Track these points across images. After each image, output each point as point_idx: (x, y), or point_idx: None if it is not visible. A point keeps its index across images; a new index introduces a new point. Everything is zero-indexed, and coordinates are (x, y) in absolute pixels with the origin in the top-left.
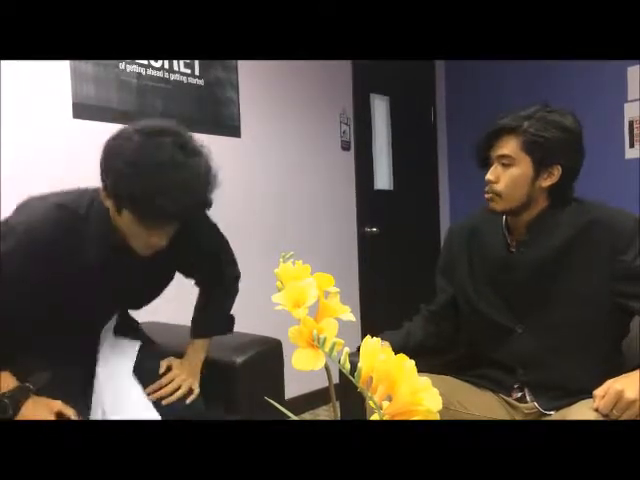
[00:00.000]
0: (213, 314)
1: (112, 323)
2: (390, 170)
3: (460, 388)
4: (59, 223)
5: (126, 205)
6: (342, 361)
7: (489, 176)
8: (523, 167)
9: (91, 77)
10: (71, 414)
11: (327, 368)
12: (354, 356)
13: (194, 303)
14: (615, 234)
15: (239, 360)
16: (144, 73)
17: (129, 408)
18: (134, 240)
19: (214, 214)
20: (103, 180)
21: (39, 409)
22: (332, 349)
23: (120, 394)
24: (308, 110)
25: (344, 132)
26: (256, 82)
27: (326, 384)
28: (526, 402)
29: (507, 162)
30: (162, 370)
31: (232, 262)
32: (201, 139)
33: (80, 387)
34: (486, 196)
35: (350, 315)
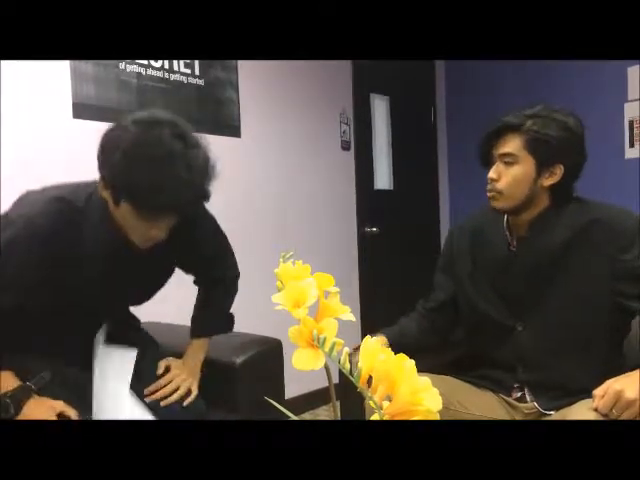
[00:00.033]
0: (212, 313)
1: (103, 333)
2: (390, 170)
3: (460, 388)
4: (58, 216)
5: (124, 197)
6: (342, 361)
7: (491, 174)
8: (525, 166)
9: (91, 77)
10: (73, 414)
11: (327, 368)
12: (354, 356)
13: (194, 303)
14: (615, 234)
15: (239, 360)
16: (144, 73)
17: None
18: (133, 232)
19: (214, 214)
20: (100, 172)
21: (41, 409)
22: (332, 349)
23: (115, 413)
24: (308, 110)
25: (344, 132)
26: (256, 82)
27: (326, 384)
28: (526, 402)
29: (510, 160)
30: (161, 371)
31: (231, 258)
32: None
33: (81, 386)
34: (488, 194)
35: (350, 315)
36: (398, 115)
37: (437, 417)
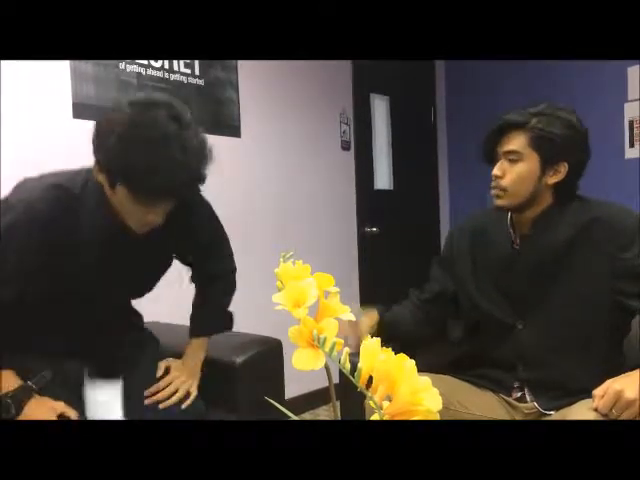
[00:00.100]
0: (211, 312)
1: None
2: (390, 170)
3: (460, 388)
4: (56, 203)
5: (119, 180)
6: (342, 361)
7: (495, 171)
8: (530, 163)
9: (91, 77)
10: (73, 415)
11: (327, 368)
12: (354, 356)
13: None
14: (615, 232)
15: (239, 360)
16: (144, 73)
17: None
18: (129, 217)
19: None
20: (95, 155)
21: (42, 410)
22: (332, 349)
23: None
24: (308, 110)
25: (344, 132)
26: (256, 82)
27: (326, 384)
28: (526, 402)
29: (514, 158)
30: (160, 372)
31: (227, 247)
32: None
33: (82, 386)
34: (492, 192)
35: (350, 315)
36: (398, 115)
37: (437, 417)
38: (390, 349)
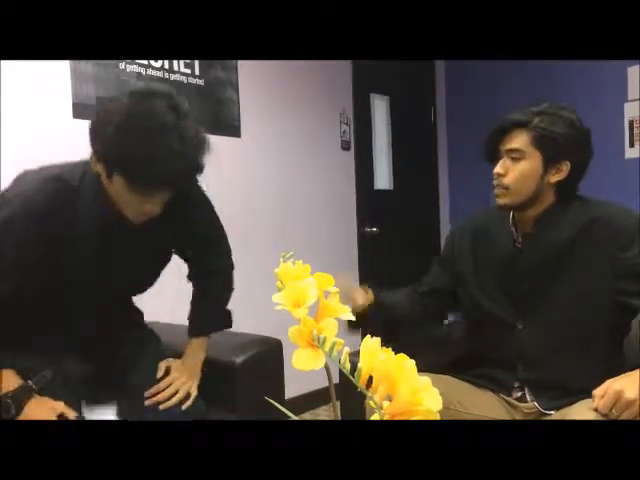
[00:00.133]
0: (209, 310)
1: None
2: (390, 170)
3: (460, 388)
4: (55, 195)
5: (116, 169)
6: (342, 361)
7: (498, 169)
8: (532, 162)
9: (91, 77)
10: (73, 416)
11: (327, 368)
12: (354, 356)
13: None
14: (615, 232)
15: (239, 360)
16: (144, 73)
17: None
18: (126, 207)
19: None
20: (93, 145)
21: (42, 410)
22: (332, 349)
23: None
24: (308, 110)
25: (344, 132)
26: (256, 82)
27: (326, 384)
28: (526, 402)
29: (517, 156)
30: (161, 373)
31: (226, 244)
32: None
33: (83, 386)
34: (495, 191)
35: (350, 315)
36: (398, 115)
37: (437, 417)
38: (390, 349)
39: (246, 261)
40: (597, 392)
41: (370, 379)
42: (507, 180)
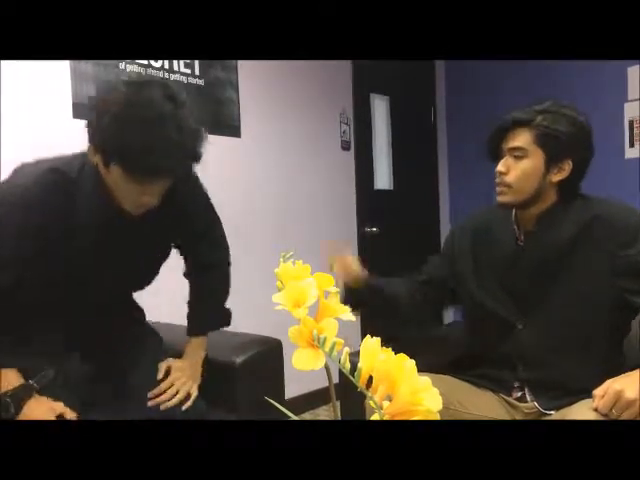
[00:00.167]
0: (207, 308)
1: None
2: (390, 170)
3: (460, 388)
4: (52, 187)
5: (114, 159)
6: (342, 361)
7: (500, 167)
8: (535, 160)
9: (91, 77)
10: (72, 416)
11: (327, 368)
12: (354, 356)
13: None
14: (616, 230)
15: (239, 360)
16: (144, 73)
17: None
18: (124, 198)
19: None
20: (90, 135)
21: (41, 410)
22: (332, 349)
23: None
24: (308, 110)
25: (344, 132)
26: (256, 82)
27: (326, 384)
28: (526, 402)
29: (519, 154)
30: (161, 375)
31: (223, 238)
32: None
33: (84, 386)
34: (497, 189)
35: (350, 315)
36: (398, 115)
37: (437, 417)
38: (390, 349)
39: (246, 261)
40: (597, 392)
41: (370, 379)
42: (509, 178)
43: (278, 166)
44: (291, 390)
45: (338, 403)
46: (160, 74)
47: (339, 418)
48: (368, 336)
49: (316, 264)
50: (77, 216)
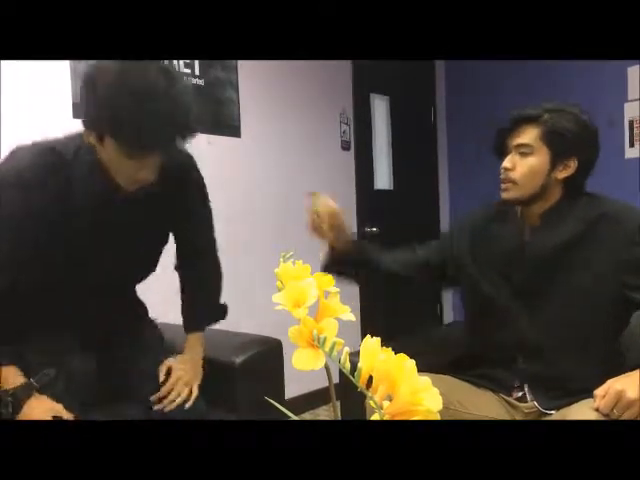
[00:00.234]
0: (201, 300)
1: None
2: (390, 170)
3: (460, 388)
4: (48, 167)
5: (108, 131)
6: (342, 361)
7: (506, 163)
8: (541, 157)
9: None
10: (70, 417)
11: (327, 368)
12: (354, 356)
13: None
14: (622, 227)
15: (239, 360)
16: None
17: None
18: (121, 175)
19: (214, 214)
20: (85, 109)
21: (40, 410)
22: (332, 349)
23: None
24: (308, 110)
25: (344, 132)
26: (256, 82)
27: (326, 384)
28: (526, 401)
29: (525, 151)
30: (162, 376)
31: (212, 228)
32: (201, 139)
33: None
34: (502, 185)
35: (350, 315)
36: (398, 115)
37: (437, 417)
38: (390, 349)
39: (246, 261)
40: (598, 392)
41: (370, 379)
42: (515, 174)
43: (278, 166)
44: (291, 390)
45: (338, 403)
46: None
47: (339, 418)
48: (368, 336)
49: (316, 264)
50: (74, 197)
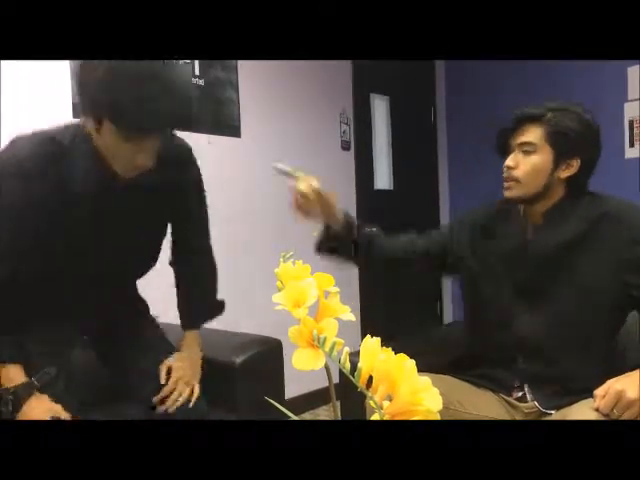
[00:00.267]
0: (197, 296)
1: None
2: (390, 170)
3: (460, 388)
4: (48, 156)
5: (106, 114)
6: (342, 361)
7: (509, 162)
8: (544, 156)
9: None
10: (68, 417)
11: (327, 368)
12: (354, 356)
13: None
14: (625, 226)
15: (239, 360)
16: None
17: None
18: (118, 160)
19: (214, 214)
20: (82, 93)
21: (39, 410)
22: (332, 349)
23: None
24: (308, 110)
25: (344, 132)
26: (256, 82)
27: (326, 384)
28: (526, 401)
29: (528, 149)
30: (163, 376)
31: (208, 224)
32: (201, 139)
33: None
34: (504, 184)
35: (350, 315)
36: (398, 115)
37: (437, 417)
38: (390, 349)
39: (246, 261)
40: (598, 392)
41: (370, 379)
42: (518, 173)
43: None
44: (291, 390)
45: (338, 403)
46: None
47: (339, 418)
48: (368, 336)
49: (316, 264)
50: (73, 186)
